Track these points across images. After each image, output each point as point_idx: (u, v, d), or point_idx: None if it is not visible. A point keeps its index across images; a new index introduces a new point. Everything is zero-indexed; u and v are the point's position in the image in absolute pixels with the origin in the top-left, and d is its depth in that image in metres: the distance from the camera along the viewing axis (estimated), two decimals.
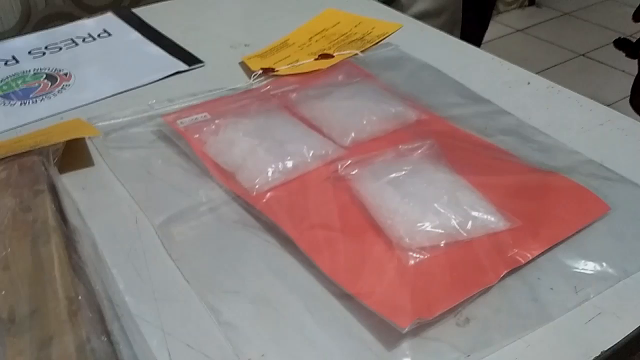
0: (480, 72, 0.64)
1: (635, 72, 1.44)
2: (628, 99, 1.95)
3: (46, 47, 0.72)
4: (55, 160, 0.48)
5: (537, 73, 0.64)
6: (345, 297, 0.39)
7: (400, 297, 0.37)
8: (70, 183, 0.49)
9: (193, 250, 0.43)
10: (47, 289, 0.35)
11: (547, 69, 2.17)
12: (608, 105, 0.58)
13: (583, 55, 2.31)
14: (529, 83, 0.62)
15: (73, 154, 0.52)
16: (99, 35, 0.75)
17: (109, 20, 0.79)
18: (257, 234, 0.44)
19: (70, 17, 1.30)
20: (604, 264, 0.41)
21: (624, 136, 0.54)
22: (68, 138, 0.50)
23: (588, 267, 0.41)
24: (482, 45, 2.22)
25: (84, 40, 0.74)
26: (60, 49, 0.72)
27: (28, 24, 1.53)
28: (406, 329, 0.35)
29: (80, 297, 0.34)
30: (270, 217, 0.44)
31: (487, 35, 2.37)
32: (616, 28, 2.38)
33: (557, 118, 0.56)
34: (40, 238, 0.39)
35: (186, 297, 0.40)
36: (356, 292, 0.38)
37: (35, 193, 0.44)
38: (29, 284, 0.36)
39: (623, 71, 2.18)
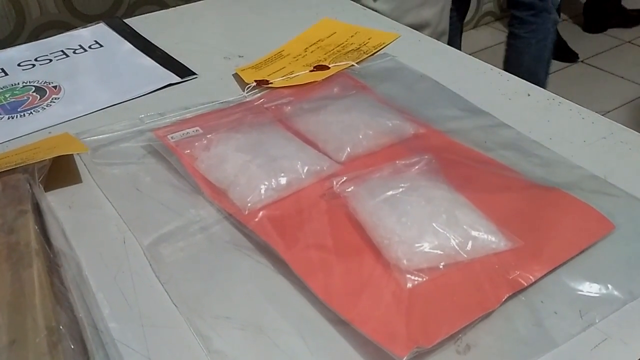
0: (479, 83, 0.63)
1: (636, 80, 1.45)
2: (626, 106, 1.95)
3: (36, 59, 0.71)
4: (40, 178, 0.47)
5: None
6: (341, 323, 0.37)
7: (398, 324, 0.36)
8: (56, 201, 0.47)
9: (182, 272, 0.41)
10: (27, 318, 0.33)
11: None
12: (606, 113, 0.57)
13: (582, 61, 2.30)
14: (529, 95, 0.61)
15: (60, 170, 0.50)
16: (90, 47, 0.73)
17: (100, 31, 0.77)
18: (250, 255, 0.43)
19: (65, 26, 1.28)
20: (610, 286, 0.39)
21: (627, 150, 0.52)
22: (54, 155, 0.49)
23: (593, 289, 0.39)
24: (481, 53, 2.22)
25: (74, 51, 0.72)
26: (51, 60, 0.71)
27: (23, 32, 1.52)
28: (404, 359, 0.33)
29: (61, 327, 0.33)
30: (263, 238, 0.43)
31: (486, 42, 2.37)
32: (615, 34, 2.37)
33: (558, 131, 0.55)
34: (21, 262, 0.37)
35: (174, 323, 0.38)
36: (352, 318, 0.36)
37: (19, 214, 0.42)
38: (8, 312, 0.34)
39: (622, 77, 2.17)
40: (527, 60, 1.71)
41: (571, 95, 0.60)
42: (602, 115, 0.56)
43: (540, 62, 1.69)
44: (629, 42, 2.40)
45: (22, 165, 0.47)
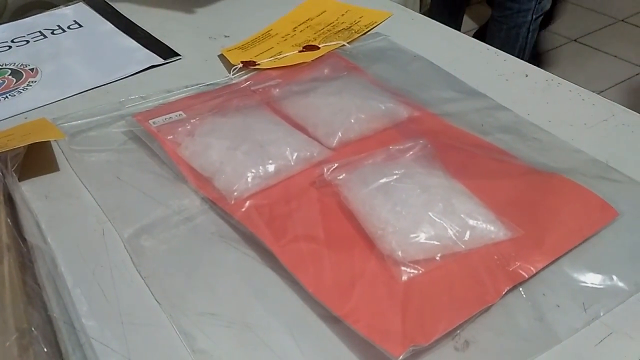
0: (475, 63, 0.61)
1: (629, 59, 1.42)
2: (620, 85, 1.93)
3: (12, 40, 0.68)
4: (14, 167, 0.44)
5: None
6: (333, 320, 0.35)
7: (393, 320, 0.34)
8: (31, 191, 0.45)
9: (165, 266, 0.39)
10: None
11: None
12: (599, 93, 0.54)
13: (575, 40, 2.27)
14: (526, 75, 0.58)
15: (35, 158, 0.48)
16: (69, 27, 0.70)
17: (80, 10, 0.74)
18: (236, 247, 0.41)
19: (47, 6, 1.25)
20: (614, 277, 0.37)
21: (629, 133, 0.50)
22: (29, 142, 0.46)
23: (596, 280, 0.37)
24: (472, 32, 2.18)
25: (53, 32, 0.69)
26: (28, 42, 0.68)
27: (5, 12, 1.47)
28: (400, 358, 0.31)
29: (33, 329, 0.30)
30: (250, 229, 0.40)
31: (478, 21, 2.33)
32: (609, 13, 2.35)
33: (557, 113, 0.52)
34: None
35: (156, 321, 0.36)
36: (344, 314, 0.35)
37: None
38: None
39: (615, 57, 2.15)
40: (496, 45, 1.64)
41: (564, 75, 0.58)
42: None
43: (510, 51, 1.63)
44: (622, 20, 2.38)
45: None
